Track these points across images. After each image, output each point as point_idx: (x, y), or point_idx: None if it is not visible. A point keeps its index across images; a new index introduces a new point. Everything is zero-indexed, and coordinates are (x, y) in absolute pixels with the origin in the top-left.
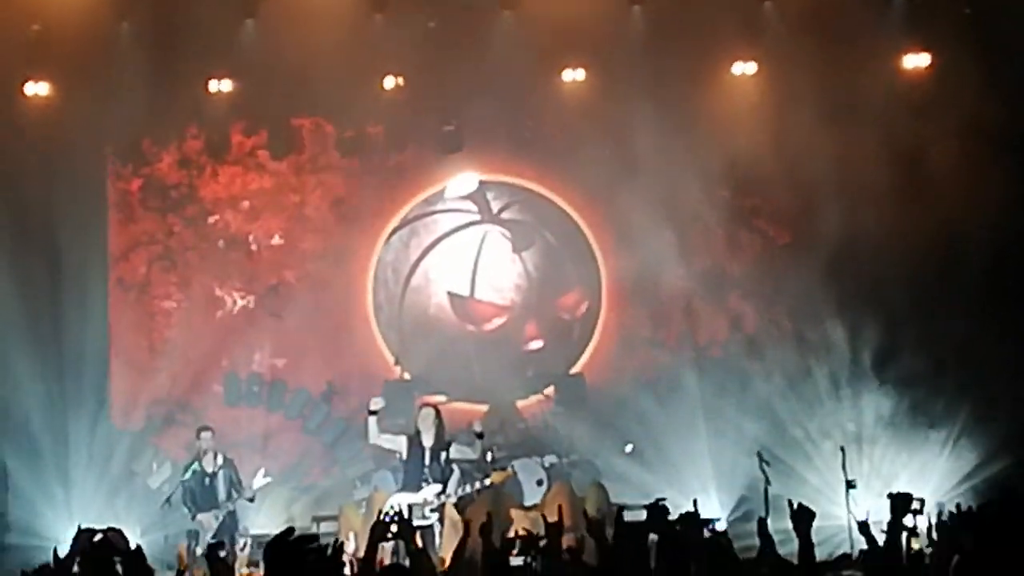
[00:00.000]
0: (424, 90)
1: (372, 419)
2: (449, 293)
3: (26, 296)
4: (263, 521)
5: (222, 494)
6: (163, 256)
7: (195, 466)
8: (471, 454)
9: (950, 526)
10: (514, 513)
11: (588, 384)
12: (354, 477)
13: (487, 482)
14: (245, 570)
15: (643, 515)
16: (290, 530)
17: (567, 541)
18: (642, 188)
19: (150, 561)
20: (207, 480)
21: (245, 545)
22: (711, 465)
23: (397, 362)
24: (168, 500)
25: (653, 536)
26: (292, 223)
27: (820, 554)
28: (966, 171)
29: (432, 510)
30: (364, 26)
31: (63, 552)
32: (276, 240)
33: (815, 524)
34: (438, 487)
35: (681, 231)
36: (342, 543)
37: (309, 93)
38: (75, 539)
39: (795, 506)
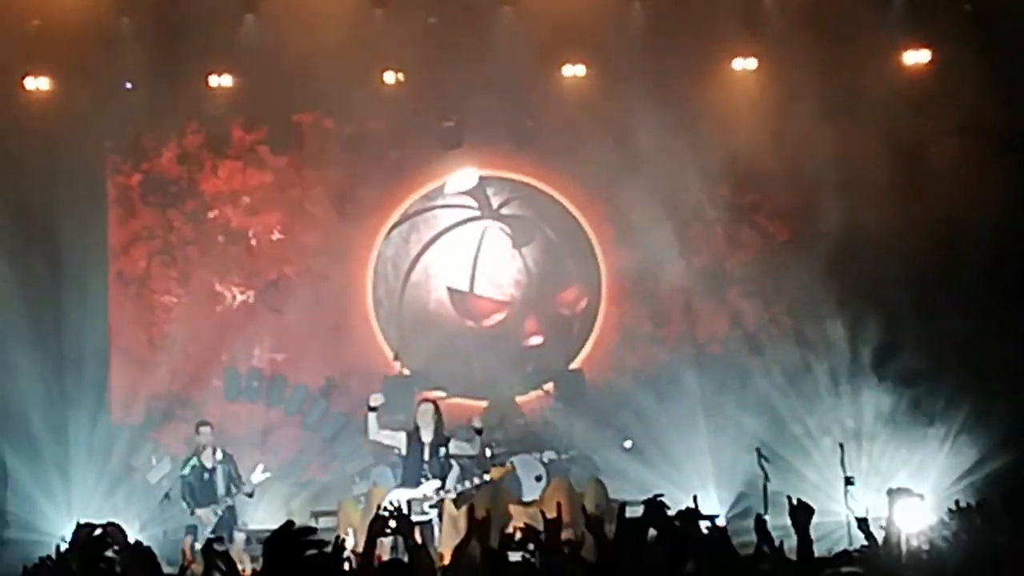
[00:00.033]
0: (424, 86)
1: (372, 415)
2: (449, 289)
3: (26, 291)
4: (262, 516)
5: (221, 489)
6: (163, 251)
7: (194, 461)
8: (470, 450)
9: (949, 523)
10: (513, 509)
11: (587, 380)
12: (353, 473)
13: (486, 478)
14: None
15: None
16: (289, 523)
17: (566, 536)
18: (642, 184)
19: None
20: (206, 475)
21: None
22: (710, 461)
23: (396, 357)
24: (167, 495)
25: (652, 532)
26: (292, 218)
27: (819, 550)
28: (966, 168)
29: (431, 506)
30: (364, 22)
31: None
32: (276, 235)
33: (814, 520)
34: (437, 483)
35: (681, 227)
36: (343, 540)
37: (309, 89)
38: (74, 534)
39: (794, 502)
